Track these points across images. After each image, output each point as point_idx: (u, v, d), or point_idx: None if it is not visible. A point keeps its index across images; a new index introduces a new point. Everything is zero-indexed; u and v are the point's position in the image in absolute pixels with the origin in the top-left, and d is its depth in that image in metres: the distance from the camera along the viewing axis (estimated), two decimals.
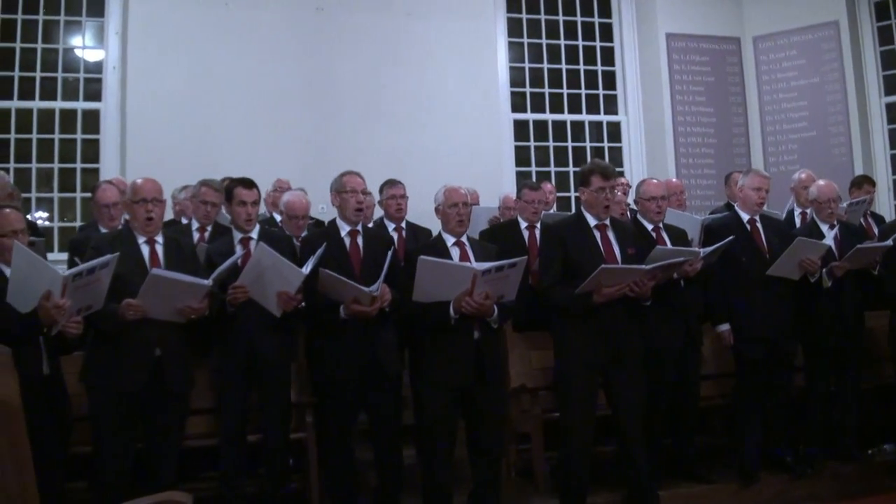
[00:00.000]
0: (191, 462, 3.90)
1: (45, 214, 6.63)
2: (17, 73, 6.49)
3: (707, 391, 4.41)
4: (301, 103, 6.80)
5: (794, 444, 4.36)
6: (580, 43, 7.96)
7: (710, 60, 7.89)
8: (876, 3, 7.68)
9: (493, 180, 6.91)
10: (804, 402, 4.44)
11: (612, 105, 8.03)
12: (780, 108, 7.84)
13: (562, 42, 7.91)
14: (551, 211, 5.44)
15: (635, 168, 7.83)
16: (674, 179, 6.04)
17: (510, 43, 7.74)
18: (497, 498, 3.79)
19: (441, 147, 6.90)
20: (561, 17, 7.92)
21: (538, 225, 4.71)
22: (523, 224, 4.79)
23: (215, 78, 6.59)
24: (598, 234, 3.76)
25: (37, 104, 6.53)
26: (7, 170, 5.99)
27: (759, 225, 4.25)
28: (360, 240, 3.83)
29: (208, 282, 3.37)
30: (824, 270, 4.21)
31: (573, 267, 3.66)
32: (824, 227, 4.40)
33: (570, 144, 7.88)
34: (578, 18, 7.98)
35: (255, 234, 3.84)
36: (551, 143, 7.81)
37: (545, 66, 7.85)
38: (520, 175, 7.47)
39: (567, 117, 7.89)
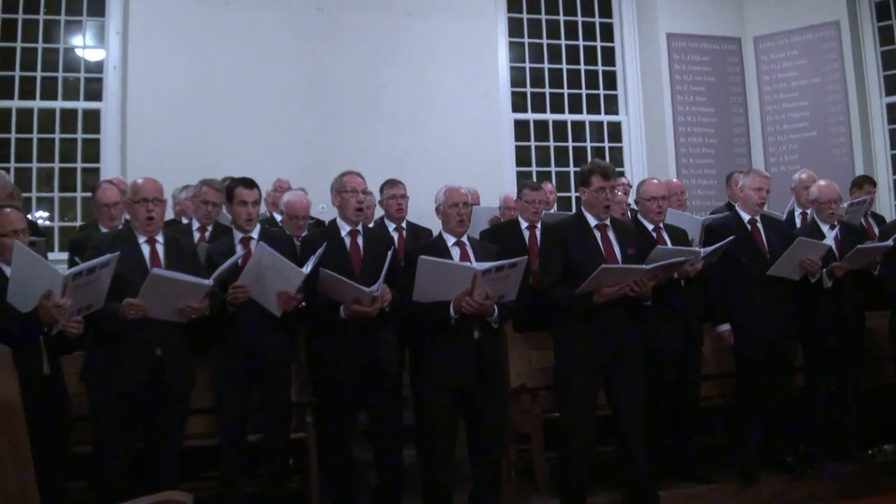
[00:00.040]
0: (191, 462, 3.90)
1: (46, 214, 6.63)
2: (17, 73, 6.49)
3: (707, 391, 4.40)
4: (301, 103, 6.80)
5: (794, 444, 4.36)
6: (581, 43, 7.96)
7: (711, 60, 7.89)
8: (877, 3, 7.68)
9: (493, 180, 6.91)
10: (804, 402, 4.44)
11: (612, 105, 8.03)
12: (780, 108, 7.84)
13: (562, 42, 7.91)
14: (552, 211, 5.43)
15: (636, 168, 7.83)
16: (674, 179, 6.04)
17: (511, 43, 7.74)
18: (497, 498, 3.79)
19: (441, 147, 6.90)
20: (561, 17, 7.93)
21: (539, 225, 4.71)
22: (524, 224, 4.79)
23: (215, 78, 6.60)
24: (598, 234, 3.76)
25: (37, 104, 6.53)
26: (7, 169, 6.00)
27: (759, 225, 4.25)
28: (360, 240, 3.83)
29: (209, 281, 3.37)
30: (824, 271, 4.21)
31: (573, 267, 3.66)
32: (825, 228, 4.40)
33: (570, 144, 7.88)
34: (579, 18, 7.99)
35: (255, 234, 3.84)
36: (552, 143, 7.81)
37: (546, 65, 7.85)
38: (520, 175, 7.47)
39: (568, 117, 7.89)
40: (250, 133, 6.59)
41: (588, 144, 7.93)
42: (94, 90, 6.66)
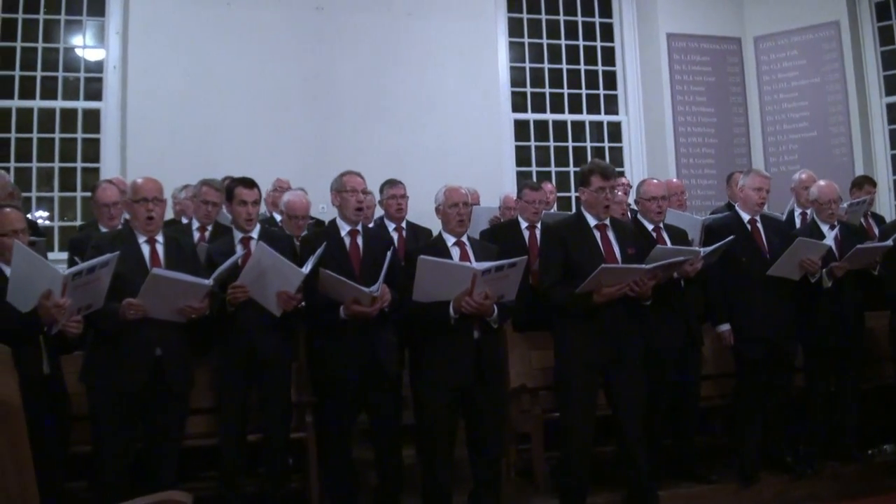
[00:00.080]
0: (191, 462, 3.90)
1: (46, 214, 6.63)
2: (17, 73, 6.49)
3: (707, 391, 4.40)
4: (301, 103, 6.80)
5: (793, 445, 4.36)
6: (581, 43, 7.96)
7: (711, 60, 7.89)
8: (876, 3, 7.67)
9: (493, 180, 6.91)
10: (804, 402, 4.43)
11: (612, 105, 8.03)
12: (780, 109, 7.84)
13: (562, 42, 7.91)
14: (552, 211, 5.44)
15: (636, 168, 7.83)
16: (674, 179, 6.04)
17: (511, 43, 7.74)
18: (497, 498, 3.79)
19: (441, 147, 6.90)
20: (562, 17, 7.93)
21: (538, 225, 4.71)
22: (524, 224, 4.79)
23: (215, 78, 6.60)
24: (598, 234, 3.76)
25: (37, 103, 6.53)
26: (7, 169, 5.99)
27: (759, 225, 4.25)
28: (359, 240, 3.83)
29: (209, 281, 3.37)
30: (824, 271, 4.21)
31: (573, 267, 3.66)
32: (825, 228, 4.39)
33: (570, 144, 7.88)
34: (579, 18, 7.99)
35: (255, 234, 3.84)
36: (552, 143, 7.81)
37: (546, 65, 7.85)
38: (520, 175, 7.47)
39: (568, 117, 7.89)
40: (250, 133, 6.59)
41: (588, 144, 7.93)
42: (94, 90, 6.66)
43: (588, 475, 3.76)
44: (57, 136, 6.55)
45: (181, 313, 3.36)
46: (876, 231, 5.00)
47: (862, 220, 5.12)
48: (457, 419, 3.78)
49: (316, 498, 3.85)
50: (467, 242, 3.83)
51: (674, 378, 4.03)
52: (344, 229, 3.84)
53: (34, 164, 6.48)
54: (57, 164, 6.56)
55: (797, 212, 5.21)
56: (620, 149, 7.98)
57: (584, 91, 7.93)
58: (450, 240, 3.79)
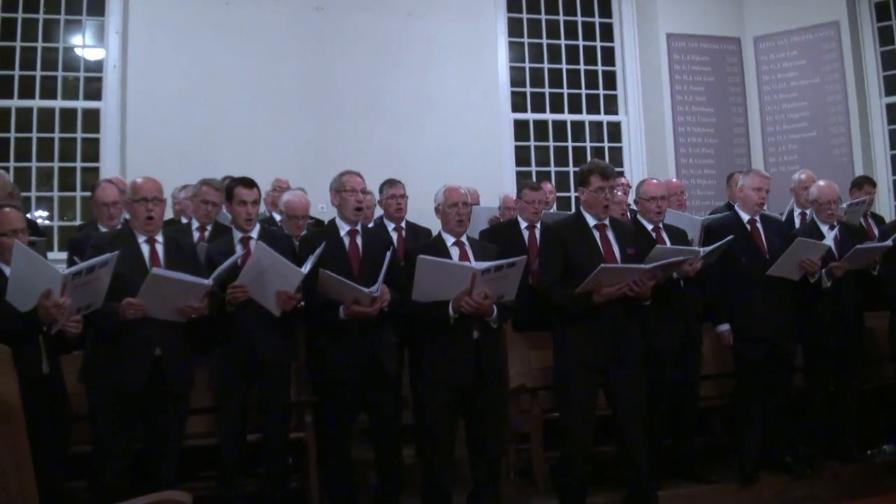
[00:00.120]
0: (190, 461, 3.90)
1: (45, 213, 6.63)
2: (17, 72, 6.49)
3: (707, 391, 4.40)
4: (301, 103, 6.80)
5: (793, 445, 4.36)
6: (580, 43, 7.96)
7: (711, 60, 7.89)
8: (876, 4, 7.68)
9: (493, 180, 6.92)
10: (804, 402, 4.43)
11: (612, 105, 8.03)
12: (780, 109, 7.84)
13: (562, 42, 7.91)
14: (551, 211, 5.44)
15: (635, 168, 7.83)
16: (674, 179, 6.04)
17: (510, 43, 7.75)
18: (496, 498, 3.79)
19: (441, 147, 6.91)
20: (561, 17, 7.93)
21: (538, 225, 4.70)
22: (523, 224, 4.79)
23: (215, 77, 6.60)
24: (597, 234, 3.75)
25: (37, 103, 6.53)
26: (7, 169, 5.99)
27: (759, 225, 4.25)
28: (359, 239, 3.83)
29: (208, 281, 3.37)
30: (824, 271, 4.21)
31: (573, 267, 3.66)
32: (824, 228, 4.39)
33: (570, 144, 7.88)
34: (579, 18, 7.99)
35: (255, 234, 3.84)
36: (551, 143, 7.81)
37: (545, 65, 7.86)
38: (520, 175, 7.47)
39: (567, 117, 7.90)
40: (250, 133, 6.59)
41: (588, 144, 7.93)
42: (94, 89, 6.66)
43: (587, 475, 3.76)
44: (56, 135, 6.55)
45: (181, 313, 3.35)
46: (875, 231, 5.00)
47: (861, 220, 5.12)
48: (456, 419, 3.78)
49: (315, 498, 3.85)
50: (466, 242, 3.82)
51: (673, 378, 4.03)
52: (343, 229, 3.83)
53: (34, 164, 6.48)
54: (56, 164, 6.56)
55: (797, 212, 5.21)
56: (620, 149, 7.99)
57: (583, 91, 7.94)
58: (449, 239, 3.79)
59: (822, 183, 4.48)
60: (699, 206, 7.39)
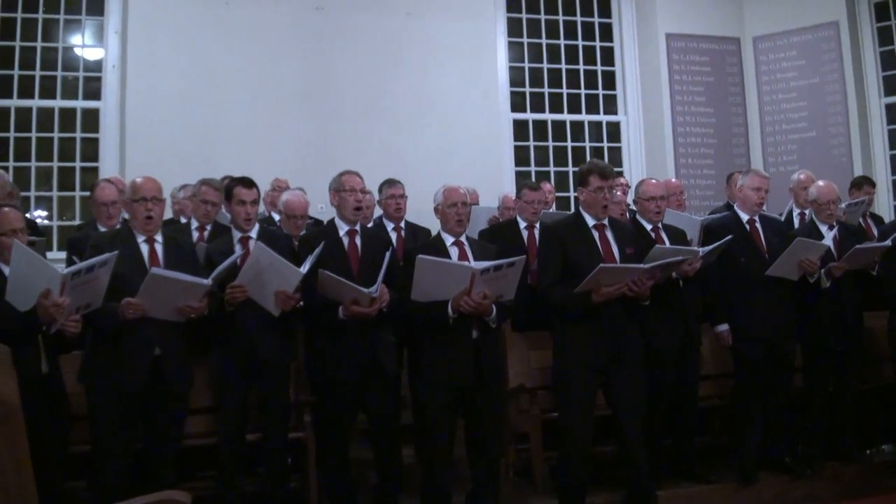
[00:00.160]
0: (190, 461, 3.90)
1: (45, 213, 6.63)
2: (16, 72, 6.49)
3: (706, 391, 4.41)
4: (300, 103, 6.80)
5: (793, 445, 4.36)
6: (580, 43, 7.97)
7: (710, 60, 7.90)
8: (876, 4, 7.68)
9: (492, 180, 6.92)
10: (804, 402, 4.43)
11: (611, 105, 8.04)
12: (779, 109, 7.84)
13: (561, 42, 7.92)
14: (550, 210, 5.44)
15: (634, 168, 7.83)
16: (673, 180, 6.03)
17: (510, 43, 7.75)
18: (496, 498, 3.78)
19: (440, 147, 6.91)
20: (561, 17, 7.93)
21: (537, 225, 4.70)
22: (522, 224, 4.79)
23: (215, 77, 6.60)
24: (596, 234, 3.75)
25: (36, 103, 6.53)
26: (6, 168, 5.98)
27: (758, 225, 4.25)
28: (358, 239, 3.83)
29: (208, 281, 3.36)
30: (823, 271, 4.21)
31: (572, 267, 3.65)
32: (823, 228, 4.39)
33: (569, 144, 7.88)
34: (578, 18, 7.99)
35: (254, 234, 3.84)
36: (551, 143, 7.82)
37: (545, 65, 7.86)
38: (519, 175, 7.48)
39: (566, 117, 7.90)
40: (249, 132, 6.59)
41: (587, 144, 7.94)
42: (93, 89, 6.66)
43: (587, 475, 3.76)
44: (56, 135, 6.55)
45: (180, 313, 3.35)
46: (875, 231, 5.01)
47: (861, 220, 5.12)
48: (456, 419, 3.78)
49: (314, 498, 3.85)
50: (466, 242, 3.82)
51: (673, 378, 4.03)
52: (342, 229, 3.83)
53: (33, 164, 6.48)
54: (56, 164, 6.56)
55: (796, 212, 5.22)
56: (619, 149, 7.99)
57: (583, 91, 7.94)
58: (448, 239, 3.79)
59: (821, 183, 4.48)
60: (698, 206, 7.39)
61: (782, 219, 5.02)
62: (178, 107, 6.46)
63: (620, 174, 6.73)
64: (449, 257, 3.70)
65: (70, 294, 3.03)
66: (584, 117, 7.95)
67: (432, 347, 3.69)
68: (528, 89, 7.80)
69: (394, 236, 4.77)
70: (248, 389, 3.78)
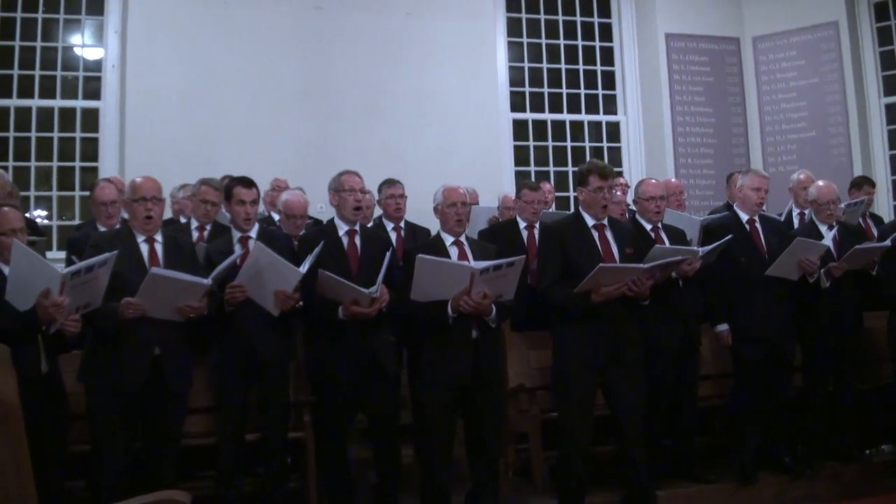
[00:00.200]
0: (189, 461, 3.90)
1: (44, 213, 6.63)
2: (16, 72, 6.49)
3: (706, 391, 4.40)
4: (300, 103, 6.80)
5: (792, 445, 4.36)
6: (579, 43, 7.97)
7: (710, 60, 7.90)
8: (875, 4, 7.68)
9: (492, 180, 6.92)
10: (803, 402, 4.43)
11: (611, 105, 8.04)
12: (779, 109, 7.84)
13: (561, 42, 7.92)
14: (550, 210, 5.44)
15: (634, 168, 7.83)
16: (673, 179, 6.03)
17: (510, 42, 7.76)
18: (495, 498, 3.78)
19: (440, 147, 6.91)
20: (560, 17, 7.93)
21: (537, 225, 4.70)
22: (522, 224, 4.79)
23: (214, 77, 6.60)
24: (596, 234, 3.75)
25: (36, 102, 6.53)
26: (6, 168, 5.98)
27: (758, 225, 4.25)
28: (357, 239, 3.83)
29: (207, 281, 3.37)
30: (822, 271, 4.21)
31: (572, 267, 3.66)
32: (823, 228, 4.39)
33: (569, 144, 7.88)
34: (578, 18, 7.99)
35: (253, 234, 3.84)
36: (550, 143, 7.82)
37: (544, 65, 7.86)
38: (519, 175, 7.48)
39: (566, 117, 7.90)
40: (249, 132, 6.59)
41: (587, 144, 7.94)
42: (93, 89, 6.66)
43: (586, 475, 3.76)
44: (55, 135, 6.55)
45: (180, 312, 3.35)
46: (874, 231, 5.01)
47: (860, 220, 5.12)
48: (455, 419, 3.78)
49: (314, 497, 3.85)
50: (465, 242, 3.82)
51: (672, 378, 4.03)
52: (342, 229, 3.83)
53: (33, 164, 6.48)
54: (55, 164, 6.56)
55: (795, 212, 5.22)
56: (619, 149, 7.99)
57: (582, 91, 7.94)
58: (448, 239, 3.79)
59: (820, 183, 4.48)
60: (698, 206, 7.39)
61: (782, 219, 5.02)
62: (177, 107, 6.46)
63: (620, 174, 6.73)
64: (449, 257, 3.70)
65: (70, 294, 3.03)
66: (584, 117, 7.95)
67: (432, 347, 3.69)
68: (527, 89, 7.80)
69: (393, 236, 4.77)
70: (247, 389, 3.78)
